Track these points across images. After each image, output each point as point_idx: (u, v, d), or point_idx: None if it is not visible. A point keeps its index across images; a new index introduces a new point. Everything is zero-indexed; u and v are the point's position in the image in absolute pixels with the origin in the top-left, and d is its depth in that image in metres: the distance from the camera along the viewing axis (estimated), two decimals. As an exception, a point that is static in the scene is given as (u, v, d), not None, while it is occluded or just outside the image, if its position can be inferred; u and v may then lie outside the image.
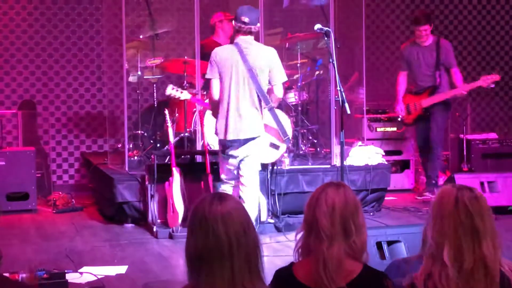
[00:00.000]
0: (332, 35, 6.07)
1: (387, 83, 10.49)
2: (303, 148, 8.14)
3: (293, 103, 8.04)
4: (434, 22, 9.01)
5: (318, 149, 8.40)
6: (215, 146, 7.34)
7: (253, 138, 5.79)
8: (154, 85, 8.41)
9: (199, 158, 7.29)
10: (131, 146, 8.13)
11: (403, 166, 9.02)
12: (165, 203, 6.77)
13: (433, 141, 8.29)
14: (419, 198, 8.31)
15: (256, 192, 6.05)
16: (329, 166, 7.69)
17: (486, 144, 8.97)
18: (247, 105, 5.79)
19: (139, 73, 8.27)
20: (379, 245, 4.64)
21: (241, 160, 5.87)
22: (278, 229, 6.71)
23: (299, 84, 8.15)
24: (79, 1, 9.41)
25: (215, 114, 5.93)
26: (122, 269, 5.49)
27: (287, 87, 7.93)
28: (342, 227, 2.70)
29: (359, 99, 8.58)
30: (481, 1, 10.88)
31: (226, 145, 5.84)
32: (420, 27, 8.22)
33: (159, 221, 6.81)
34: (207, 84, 7.68)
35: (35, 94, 9.33)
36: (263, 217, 6.76)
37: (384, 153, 8.09)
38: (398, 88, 8.56)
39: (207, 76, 5.94)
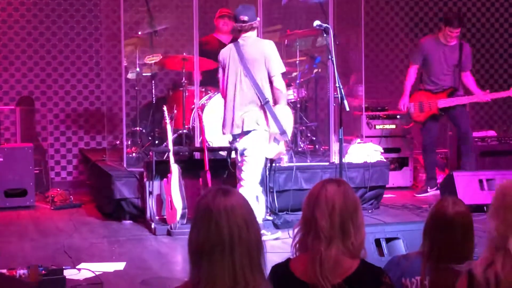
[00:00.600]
0: (331, 31, 6.06)
1: (386, 81, 10.50)
2: (302, 145, 8.14)
3: (292, 100, 8.03)
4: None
5: (317, 146, 8.40)
6: (213, 143, 7.36)
7: (249, 132, 6.01)
8: (153, 82, 8.40)
9: (197, 155, 7.28)
10: (129, 142, 8.12)
11: (401, 163, 9.02)
12: (163, 200, 6.77)
13: (468, 138, 8.24)
14: (419, 195, 8.28)
15: (252, 187, 6.08)
16: (327, 163, 7.68)
17: (485, 142, 8.96)
18: (245, 100, 6.03)
19: (138, 69, 8.27)
20: (377, 242, 4.64)
21: (241, 155, 6.03)
22: (277, 226, 6.71)
23: (297, 81, 8.14)
24: (78, -3, 9.41)
25: None
26: (120, 265, 5.49)
27: (286, 84, 7.92)
28: (341, 229, 2.69)
29: (358, 97, 8.55)
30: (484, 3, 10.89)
31: (231, 139, 6.19)
32: (453, 29, 8.04)
33: (157, 218, 6.81)
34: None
35: (33, 91, 9.31)
36: (262, 215, 6.75)
37: (382, 151, 8.09)
38: (407, 82, 8.38)
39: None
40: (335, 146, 7.60)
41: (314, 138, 8.49)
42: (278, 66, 6.08)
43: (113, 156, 8.03)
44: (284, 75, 6.42)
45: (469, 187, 7.29)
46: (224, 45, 8.27)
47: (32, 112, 9.26)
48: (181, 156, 7.30)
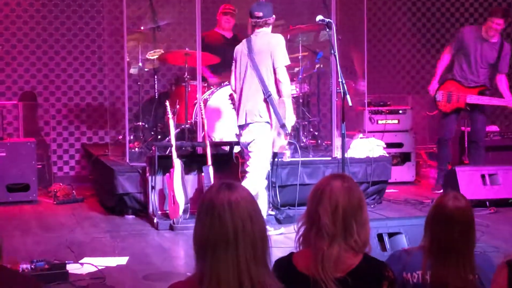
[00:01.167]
0: (333, 26, 6.06)
1: (388, 76, 10.50)
2: (304, 140, 8.14)
3: (294, 95, 8.02)
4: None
5: (319, 141, 8.40)
6: (216, 137, 7.37)
7: (251, 123, 6.11)
8: (155, 77, 8.40)
9: (200, 150, 7.29)
10: (132, 137, 8.13)
11: (404, 158, 9.02)
12: (165, 195, 6.77)
13: (480, 138, 8.18)
14: (437, 192, 8.02)
15: (257, 180, 6.11)
16: (330, 158, 7.68)
17: (488, 137, 8.95)
18: (251, 92, 6.13)
19: (140, 64, 8.27)
20: (380, 237, 4.65)
21: (245, 148, 6.12)
22: (279, 221, 6.71)
23: (300, 76, 8.14)
24: (80, -8, 9.41)
25: None
26: (122, 260, 5.50)
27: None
28: (343, 227, 2.69)
29: (361, 88, 8.52)
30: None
31: (239, 130, 6.30)
32: (494, 19, 7.81)
33: (159, 212, 6.81)
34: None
35: (36, 85, 9.32)
36: (264, 209, 6.76)
37: (385, 146, 8.08)
38: (438, 67, 8.19)
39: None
40: (337, 141, 7.60)
41: (317, 133, 8.49)
42: (282, 58, 6.12)
43: (116, 151, 8.03)
44: (286, 70, 6.43)
45: (472, 182, 7.29)
46: (226, 40, 8.31)
47: (34, 107, 9.26)
48: (184, 151, 7.30)
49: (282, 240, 6.04)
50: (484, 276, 3.04)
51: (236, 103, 6.39)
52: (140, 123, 8.22)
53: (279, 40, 6.18)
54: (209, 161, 6.67)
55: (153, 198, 6.82)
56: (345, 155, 6.14)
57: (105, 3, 9.19)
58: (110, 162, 7.54)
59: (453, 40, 8.30)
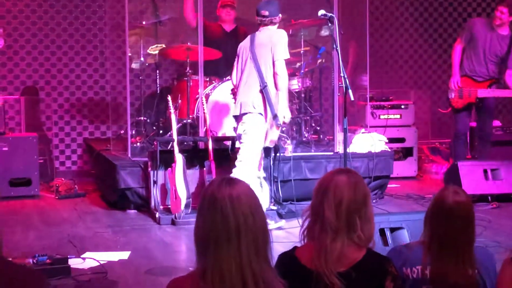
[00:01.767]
0: (336, 21, 6.05)
1: (390, 71, 10.48)
2: (306, 135, 8.13)
3: (296, 90, 8.02)
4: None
5: (321, 136, 8.39)
6: (217, 132, 7.36)
7: (245, 114, 6.16)
8: (157, 72, 8.40)
9: (201, 145, 7.29)
10: (133, 132, 8.12)
11: (406, 153, 9.01)
12: (167, 190, 6.77)
13: (487, 134, 8.15)
14: None
15: (246, 170, 6.14)
16: (332, 153, 7.68)
17: (490, 132, 8.92)
18: (247, 84, 6.20)
19: (142, 59, 8.27)
20: (382, 231, 4.64)
21: (238, 139, 6.18)
22: (281, 216, 6.71)
23: (302, 71, 8.13)
24: (82, -13, 9.39)
25: None
26: (124, 255, 5.50)
27: (290, 74, 7.91)
28: (347, 222, 2.69)
29: (362, 82, 8.49)
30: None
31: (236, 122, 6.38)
32: (498, 7, 7.77)
33: (161, 207, 6.81)
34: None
35: (38, 80, 9.32)
36: (266, 204, 6.76)
37: (387, 140, 8.08)
38: (455, 59, 8.03)
39: None
40: (339, 136, 7.60)
41: (319, 128, 8.48)
42: (281, 52, 6.16)
43: (118, 145, 8.04)
44: (288, 65, 6.43)
45: (474, 177, 7.28)
46: (226, 33, 8.30)
47: (36, 102, 9.26)
48: (185, 146, 7.30)
49: (284, 235, 6.04)
50: (484, 270, 3.04)
51: (235, 95, 6.44)
52: (142, 118, 8.22)
53: (281, 35, 6.22)
54: (211, 156, 6.67)
55: (155, 192, 6.82)
56: (347, 150, 6.13)
57: (107, -2, 9.18)
58: (112, 157, 7.54)
59: (463, 31, 8.21)
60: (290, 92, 7.92)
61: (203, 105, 7.05)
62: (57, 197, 7.89)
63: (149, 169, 6.91)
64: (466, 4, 10.80)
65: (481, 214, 6.62)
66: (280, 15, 6.31)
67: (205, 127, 6.97)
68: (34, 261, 4.85)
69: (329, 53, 8.20)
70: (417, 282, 3.03)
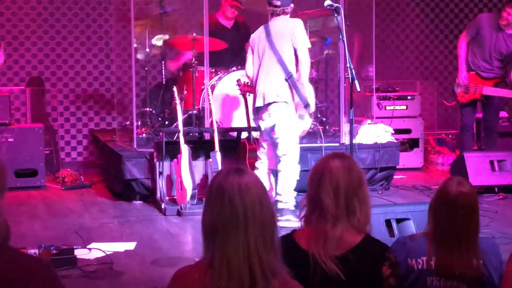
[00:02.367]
0: (342, 11, 6.02)
1: (397, 61, 10.44)
2: (312, 126, 8.10)
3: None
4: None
5: (327, 127, 8.37)
6: (223, 123, 7.35)
7: (270, 104, 6.14)
8: (163, 63, 8.38)
9: (207, 136, 7.28)
10: (139, 123, 8.12)
11: (412, 144, 8.99)
12: (173, 181, 6.78)
13: (493, 125, 8.12)
14: None
15: (293, 163, 6.27)
16: (338, 144, 7.66)
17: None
18: (268, 74, 6.18)
19: (147, 50, 8.25)
20: (388, 222, 4.64)
21: (271, 130, 6.19)
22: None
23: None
24: (87, -23, 9.38)
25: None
26: (130, 245, 5.51)
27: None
28: (346, 206, 2.69)
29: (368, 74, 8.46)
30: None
31: (255, 113, 6.34)
32: (506, 8, 7.70)
33: (167, 198, 6.82)
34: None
35: (43, 71, 9.31)
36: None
37: (393, 132, 8.06)
38: (461, 55, 7.99)
39: None
40: (345, 127, 7.59)
41: (324, 119, 8.46)
42: (302, 41, 6.20)
43: (123, 136, 8.04)
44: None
45: (480, 168, 7.26)
46: (225, 29, 8.27)
47: (42, 93, 9.26)
48: (191, 137, 7.30)
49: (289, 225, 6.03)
50: (489, 261, 3.03)
51: (253, 87, 6.40)
52: (148, 109, 8.21)
53: (297, 23, 6.25)
54: (217, 147, 6.66)
55: (161, 183, 6.83)
56: (353, 141, 6.11)
57: (112, -11, 9.16)
58: (118, 148, 7.54)
59: (469, 26, 8.17)
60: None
61: (208, 96, 7.04)
62: (63, 188, 7.90)
63: (155, 160, 6.91)
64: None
65: (488, 205, 6.62)
66: (292, 4, 6.31)
67: (211, 118, 6.96)
68: (40, 251, 4.86)
69: (335, 44, 8.17)
70: (422, 273, 3.02)
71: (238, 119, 7.29)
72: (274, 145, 6.33)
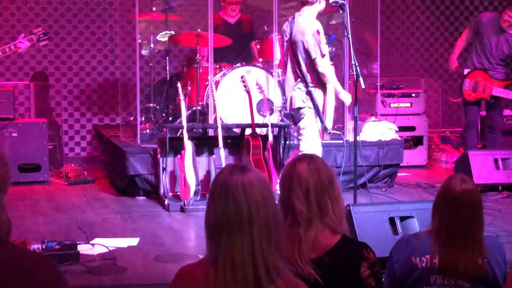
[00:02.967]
0: (347, 8, 6.00)
1: (401, 59, 10.42)
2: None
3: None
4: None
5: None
6: (227, 120, 7.34)
7: (299, 109, 6.18)
8: (167, 58, 8.37)
9: (211, 132, 7.27)
10: (143, 119, 8.12)
11: (416, 142, 8.97)
12: (176, 177, 6.77)
13: (497, 123, 8.07)
14: None
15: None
16: (342, 141, 7.64)
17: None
18: (292, 79, 6.25)
19: (152, 46, 8.25)
20: (392, 220, 4.62)
21: (298, 130, 6.27)
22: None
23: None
24: (92, -28, 9.37)
25: None
26: (133, 241, 5.50)
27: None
28: (319, 207, 2.67)
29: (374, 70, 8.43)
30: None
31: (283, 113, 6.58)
32: (507, 11, 7.69)
33: (170, 194, 6.81)
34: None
35: (48, 66, 9.31)
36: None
37: (397, 129, 8.04)
38: (457, 43, 8.07)
39: None
40: (349, 124, 7.57)
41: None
42: (314, 50, 6.07)
43: (127, 132, 8.03)
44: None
45: (484, 166, 7.24)
46: (229, 25, 8.27)
47: (46, 88, 9.26)
48: (195, 133, 7.29)
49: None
50: (493, 259, 3.03)
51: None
52: (152, 105, 8.21)
53: (307, 31, 6.08)
54: (220, 143, 6.65)
55: (164, 179, 6.82)
56: (357, 139, 6.10)
57: (117, -16, 9.15)
58: (122, 144, 7.54)
59: (471, 23, 8.16)
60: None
61: (212, 92, 7.03)
62: (66, 183, 7.90)
63: (158, 156, 6.90)
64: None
65: (492, 204, 6.60)
66: None
67: (215, 114, 6.95)
68: (43, 246, 4.86)
69: (339, 41, 8.15)
70: (426, 271, 3.02)
71: (242, 116, 7.28)
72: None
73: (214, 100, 6.99)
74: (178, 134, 7.08)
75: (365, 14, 8.81)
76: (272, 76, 7.54)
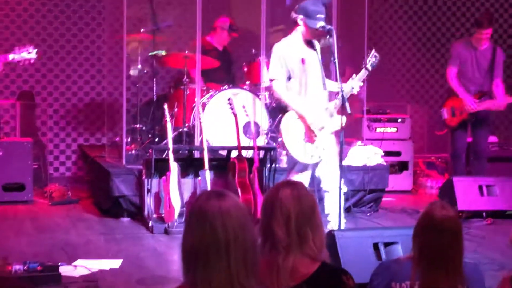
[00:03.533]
0: (334, 33, 6.02)
1: (387, 84, 10.47)
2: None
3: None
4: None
5: (317, 148, 8.35)
6: (213, 142, 7.34)
7: None
8: (154, 79, 8.37)
9: (197, 154, 7.26)
10: (129, 139, 8.09)
11: (401, 167, 8.99)
12: (161, 198, 6.74)
13: (483, 150, 8.07)
14: None
15: None
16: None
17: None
18: None
19: (140, 66, 8.24)
20: (376, 246, 4.62)
21: None
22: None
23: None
24: (81, -8, 9.38)
25: None
26: (116, 263, 5.46)
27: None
28: (298, 235, 2.65)
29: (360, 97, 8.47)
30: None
31: None
32: (482, 31, 7.78)
33: (155, 216, 6.78)
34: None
35: (34, 85, 9.29)
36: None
37: (383, 154, 8.06)
38: (455, 84, 7.95)
39: None
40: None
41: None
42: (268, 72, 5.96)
43: (112, 152, 8.00)
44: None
45: (469, 192, 7.26)
46: (217, 52, 8.30)
47: (32, 107, 9.23)
48: (181, 155, 7.27)
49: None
50: (473, 286, 3.02)
51: None
52: (138, 125, 8.19)
53: (272, 52, 5.97)
54: (206, 165, 6.63)
55: (149, 201, 6.79)
56: (343, 163, 6.10)
57: (106, 5, 9.15)
58: (107, 164, 7.51)
59: (451, 57, 8.23)
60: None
61: (199, 114, 7.02)
62: (50, 203, 7.85)
63: (144, 177, 6.88)
64: (464, 19, 10.81)
65: (476, 230, 6.61)
66: (296, 15, 5.95)
67: (201, 136, 6.94)
68: (25, 267, 4.82)
69: (325, 65, 8.16)
70: (406, 297, 3.01)
71: (229, 138, 7.27)
72: None
73: (200, 122, 6.98)
74: (164, 156, 7.07)
75: (352, 39, 8.85)
76: (259, 98, 7.55)
